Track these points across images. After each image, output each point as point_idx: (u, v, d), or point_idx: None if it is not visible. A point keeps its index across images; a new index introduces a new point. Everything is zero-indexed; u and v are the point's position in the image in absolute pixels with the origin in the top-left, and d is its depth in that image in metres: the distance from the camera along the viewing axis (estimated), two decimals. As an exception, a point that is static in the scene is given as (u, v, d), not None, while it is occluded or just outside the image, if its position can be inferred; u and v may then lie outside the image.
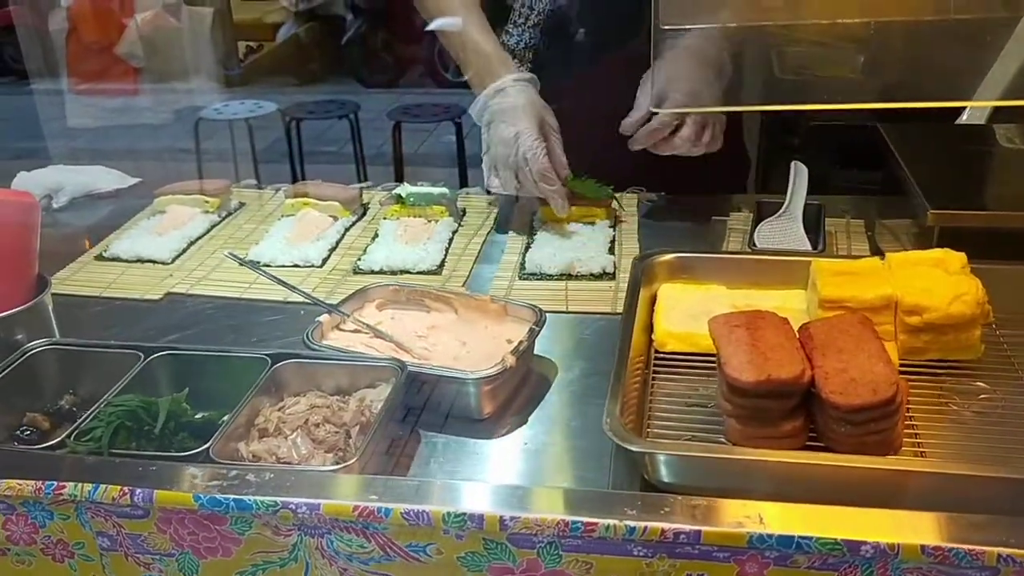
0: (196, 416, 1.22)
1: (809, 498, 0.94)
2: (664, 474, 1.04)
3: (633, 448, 1.01)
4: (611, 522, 0.91)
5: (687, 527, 0.90)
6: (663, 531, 0.90)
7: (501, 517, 0.92)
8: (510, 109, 1.71)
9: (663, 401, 1.18)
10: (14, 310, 1.34)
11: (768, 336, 1.09)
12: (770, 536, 0.89)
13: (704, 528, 0.89)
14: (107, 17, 3.08)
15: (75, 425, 1.16)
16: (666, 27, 1.02)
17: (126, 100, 3.21)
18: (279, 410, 1.22)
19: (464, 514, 0.93)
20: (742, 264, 1.41)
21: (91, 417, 1.17)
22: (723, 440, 1.09)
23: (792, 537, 0.89)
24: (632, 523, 0.90)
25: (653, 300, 1.37)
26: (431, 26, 1.80)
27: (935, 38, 1.22)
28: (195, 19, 3.25)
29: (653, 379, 1.22)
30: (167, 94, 3.52)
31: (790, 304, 1.33)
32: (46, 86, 3.18)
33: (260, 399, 1.22)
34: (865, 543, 0.88)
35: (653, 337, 1.28)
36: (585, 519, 0.91)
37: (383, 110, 4.65)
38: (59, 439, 1.14)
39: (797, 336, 1.13)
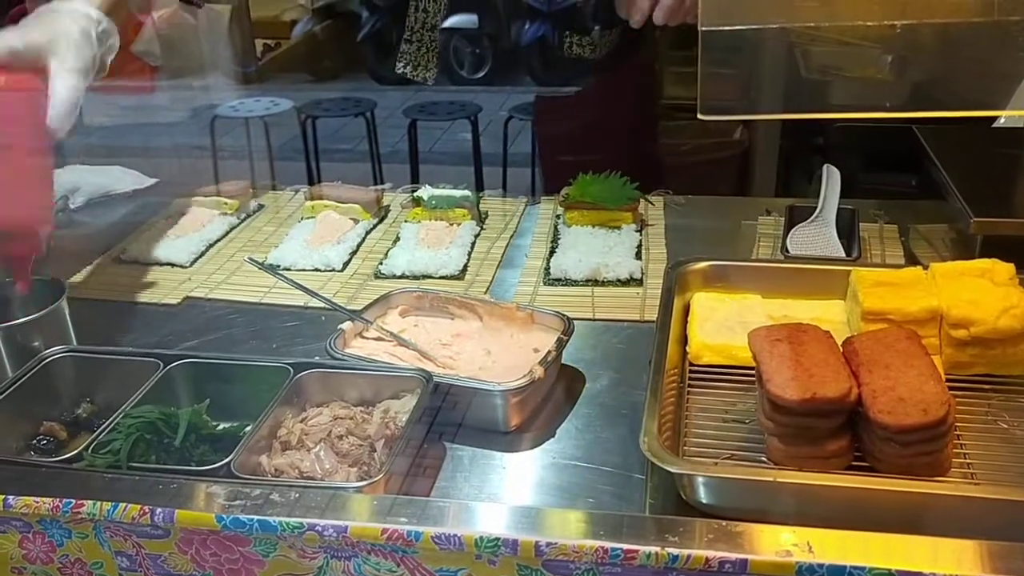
0: (216, 427, 1.19)
1: (856, 522, 0.90)
2: (703, 495, 1.00)
3: (674, 470, 0.97)
4: (653, 550, 0.86)
5: (733, 556, 0.85)
6: (707, 560, 0.85)
7: (537, 543, 0.88)
8: None
9: (700, 417, 1.14)
10: (31, 316, 1.30)
11: (812, 351, 1.05)
12: (820, 566, 0.84)
13: (751, 557, 0.85)
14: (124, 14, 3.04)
15: (93, 437, 1.12)
16: (706, 28, 0.97)
17: (143, 98, 3.18)
18: (302, 422, 1.18)
19: (498, 539, 0.89)
20: (778, 273, 1.37)
21: (109, 429, 1.13)
22: (763, 458, 1.05)
23: (844, 567, 0.84)
24: (675, 551, 0.86)
25: (686, 310, 1.32)
26: None
27: (978, 40, 1.17)
28: (212, 17, 3.21)
29: (688, 393, 1.18)
30: (184, 91, 3.48)
31: (829, 315, 1.28)
32: (63, 83, 3.14)
33: (282, 410, 1.18)
34: (921, 574, 0.83)
35: (688, 349, 1.24)
36: (626, 546, 0.87)
37: (398, 108, 4.59)
38: (76, 451, 1.10)
39: (841, 351, 1.08)
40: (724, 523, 0.89)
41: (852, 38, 1.19)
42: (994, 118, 1.87)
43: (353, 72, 5.41)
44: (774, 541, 0.87)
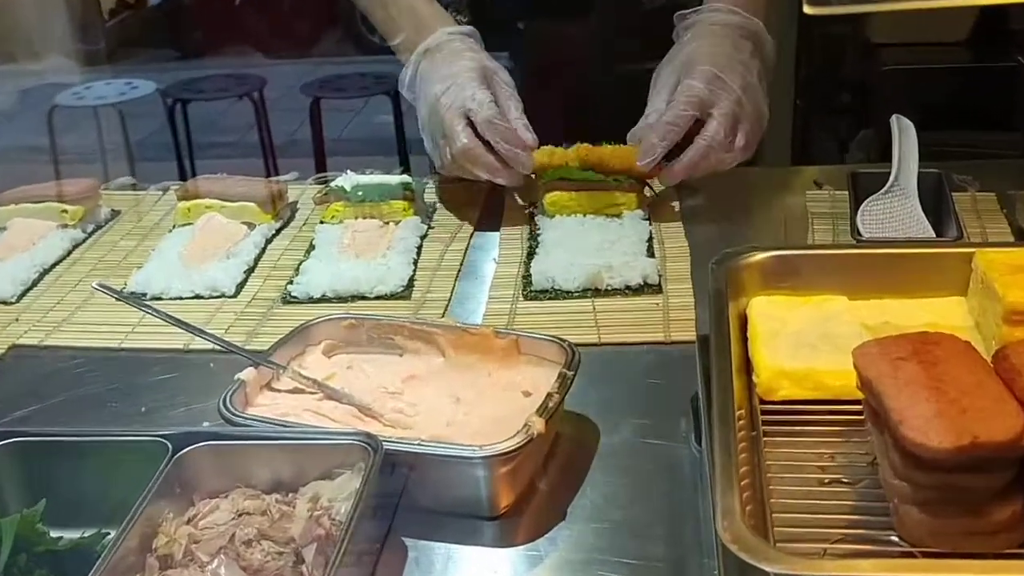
0: (59, 541, 1.07)
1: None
2: (815, 603, 0.85)
3: (781, 572, 0.81)
4: None
5: None
6: None
7: None
8: (443, 66, 1.73)
9: (787, 480, 1.00)
10: None
11: (955, 372, 0.92)
12: None
13: None
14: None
15: None
16: (812, 11, 0.96)
17: (-44, 85, 3.12)
18: (189, 523, 1.07)
19: None
20: (867, 262, 1.26)
21: None
22: (893, 536, 0.91)
23: None
24: None
25: (742, 322, 1.22)
26: None
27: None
28: (44, -21, 3.13)
29: (765, 444, 1.05)
30: (9, 77, 3.44)
31: (947, 319, 1.18)
32: None
33: (158, 506, 1.06)
34: None
35: (755, 379, 1.12)
36: None
37: (295, 85, 4.68)
38: None
39: (992, 369, 0.95)
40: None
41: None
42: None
43: (232, 43, 5.44)
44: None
